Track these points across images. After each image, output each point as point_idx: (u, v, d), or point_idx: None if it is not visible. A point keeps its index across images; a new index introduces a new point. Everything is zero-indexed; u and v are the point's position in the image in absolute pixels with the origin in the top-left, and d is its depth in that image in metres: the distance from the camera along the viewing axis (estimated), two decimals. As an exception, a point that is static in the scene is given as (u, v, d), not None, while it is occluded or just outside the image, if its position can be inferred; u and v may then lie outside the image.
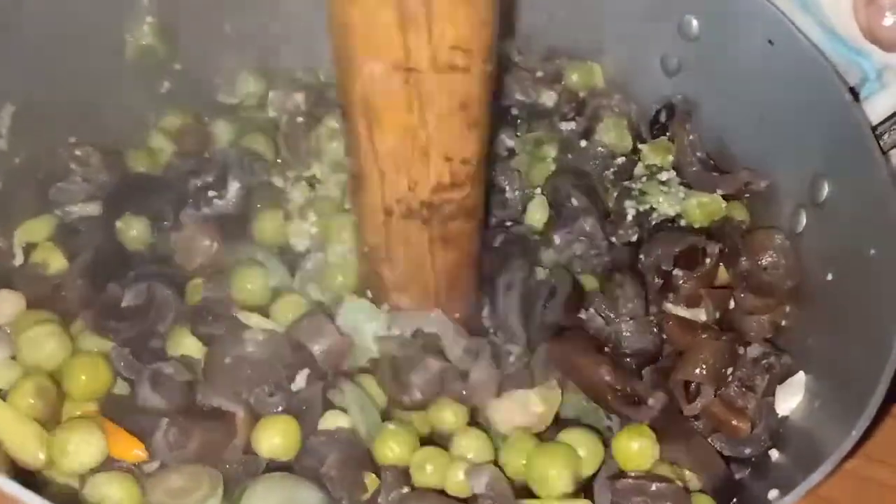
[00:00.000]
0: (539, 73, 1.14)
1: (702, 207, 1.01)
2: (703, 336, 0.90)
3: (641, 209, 1.01)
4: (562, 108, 1.11)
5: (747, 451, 0.87)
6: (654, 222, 1.01)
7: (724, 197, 1.02)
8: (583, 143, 1.08)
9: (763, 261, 0.95)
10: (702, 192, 1.02)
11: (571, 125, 1.09)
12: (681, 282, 0.95)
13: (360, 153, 0.75)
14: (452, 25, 0.65)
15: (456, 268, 0.86)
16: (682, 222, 1.01)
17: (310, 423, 0.83)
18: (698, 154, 1.06)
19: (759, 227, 0.99)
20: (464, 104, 0.71)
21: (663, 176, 1.04)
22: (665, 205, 1.02)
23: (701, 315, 0.95)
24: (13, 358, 0.84)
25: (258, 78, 1.10)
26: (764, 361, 0.89)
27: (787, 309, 0.94)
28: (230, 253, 0.93)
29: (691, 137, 1.06)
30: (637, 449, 0.83)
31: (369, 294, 0.90)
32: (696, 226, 1.01)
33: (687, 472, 0.84)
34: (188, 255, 0.93)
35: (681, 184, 1.04)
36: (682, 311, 0.96)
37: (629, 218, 1.01)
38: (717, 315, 0.95)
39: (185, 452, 0.78)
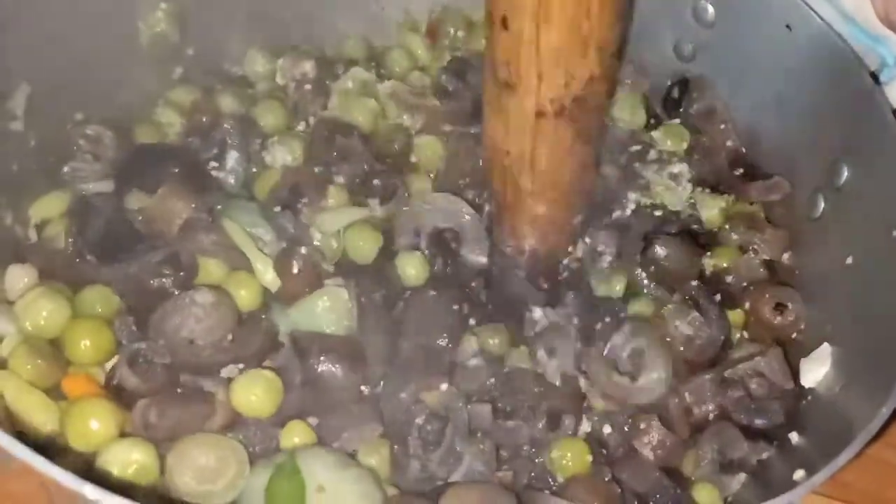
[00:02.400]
0: None
1: (722, 213, 1.00)
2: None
3: (643, 202, 1.01)
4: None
5: (760, 422, 0.86)
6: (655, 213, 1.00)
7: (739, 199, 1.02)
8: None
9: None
10: (718, 192, 1.02)
11: None
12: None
13: (518, 57, 0.79)
14: None
15: (587, 165, 0.90)
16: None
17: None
18: (728, 144, 1.05)
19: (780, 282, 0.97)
20: None
21: (675, 168, 1.03)
22: (669, 199, 1.01)
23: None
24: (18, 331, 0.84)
25: (266, 55, 1.09)
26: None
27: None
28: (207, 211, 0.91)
29: (723, 127, 1.05)
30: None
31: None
32: (708, 227, 1.00)
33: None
34: (165, 221, 0.90)
35: (690, 180, 1.03)
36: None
37: (628, 211, 1.00)
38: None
39: (161, 431, 0.78)
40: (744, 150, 1.05)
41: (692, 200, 1.02)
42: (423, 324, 0.87)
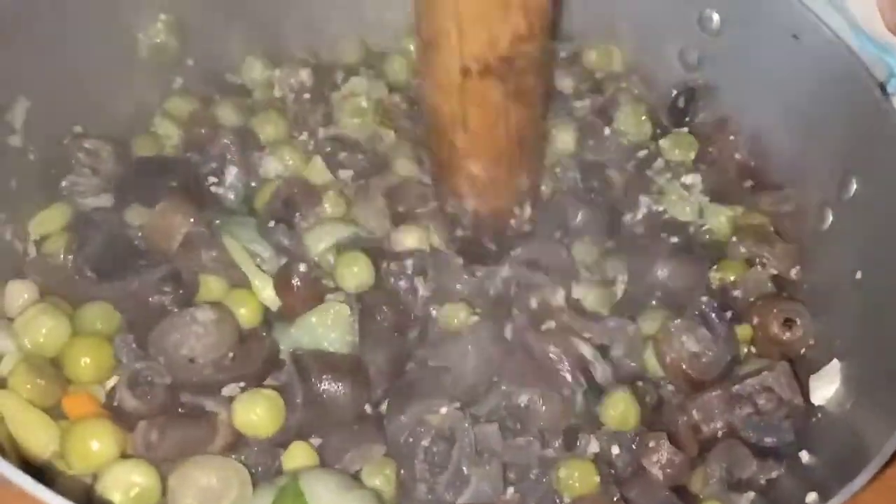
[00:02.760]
0: (562, 54, 1.11)
1: (730, 221, 0.99)
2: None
3: (654, 209, 1.00)
4: (579, 88, 1.10)
5: (769, 440, 0.85)
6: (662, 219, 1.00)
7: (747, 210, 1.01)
8: (606, 131, 1.06)
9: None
10: (725, 203, 1.01)
11: (586, 103, 1.08)
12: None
13: (436, 12, 0.78)
14: None
15: (527, 127, 0.87)
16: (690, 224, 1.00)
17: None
18: (737, 156, 1.03)
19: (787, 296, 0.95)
20: None
21: (688, 179, 1.02)
22: (679, 210, 1.00)
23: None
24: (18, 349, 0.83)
25: (265, 62, 1.09)
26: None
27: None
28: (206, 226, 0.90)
29: (731, 138, 1.04)
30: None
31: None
32: (716, 238, 0.99)
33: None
34: (165, 237, 0.88)
35: (702, 191, 1.01)
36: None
37: (639, 215, 0.99)
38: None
39: (162, 452, 0.77)
40: (752, 162, 1.04)
41: (701, 211, 1.01)
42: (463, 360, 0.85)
